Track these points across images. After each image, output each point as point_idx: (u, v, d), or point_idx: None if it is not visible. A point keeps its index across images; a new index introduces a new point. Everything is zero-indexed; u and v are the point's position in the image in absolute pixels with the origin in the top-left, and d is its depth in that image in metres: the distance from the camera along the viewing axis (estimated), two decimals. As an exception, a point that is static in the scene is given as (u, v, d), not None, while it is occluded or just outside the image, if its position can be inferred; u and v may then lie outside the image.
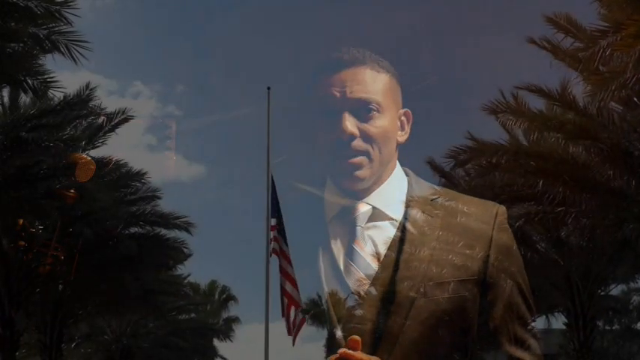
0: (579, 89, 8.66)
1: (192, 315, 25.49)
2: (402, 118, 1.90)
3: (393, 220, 1.77)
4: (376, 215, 1.77)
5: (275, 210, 11.55)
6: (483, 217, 1.78)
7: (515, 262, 1.79)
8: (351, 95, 1.85)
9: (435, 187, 1.89)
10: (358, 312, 1.65)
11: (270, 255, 10.82)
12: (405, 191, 1.84)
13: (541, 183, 9.34)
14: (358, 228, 1.76)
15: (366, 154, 1.83)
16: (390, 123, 1.86)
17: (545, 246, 12.12)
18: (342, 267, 1.74)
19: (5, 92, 11.21)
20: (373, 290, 1.67)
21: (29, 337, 14.73)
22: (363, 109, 1.84)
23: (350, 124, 1.79)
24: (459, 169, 11.58)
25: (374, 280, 1.67)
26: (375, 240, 1.74)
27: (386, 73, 1.90)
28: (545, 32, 8.93)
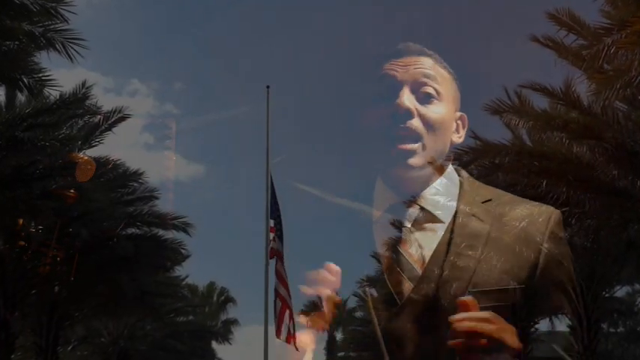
0: (583, 88, 8.67)
1: (191, 317, 25.49)
2: (459, 121, 1.84)
3: (441, 222, 1.71)
4: (424, 217, 1.71)
5: (274, 211, 11.55)
6: (535, 224, 1.71)
7: (565, 272, 1.72)
8: (413, 75, 1.77)
9: (490, 188, 1.81)
10: (401, 313, 1.61)
11: (271, 257, 10.79)
12: (457, 193, 1.77)
13: (545, 183, 9.34)
14: (404, 229, 1.71)
15: (421, 139, 1.75)
16: (449, 116, 1.78)
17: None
18: (385, 268, 1.68)
19: (0, 91, 11.21)
20: (417, 292, 1.62)
21: (25, 340, 14.73)
22: (422, 90, 1.76)
23: (408, 100, 1.72)
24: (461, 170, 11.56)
25: (419, 283, 1.62)
26: (421, 242, 1.69)
27: (449, 72, 1.84)
28: (548, 30, 8.93)
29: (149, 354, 21.60)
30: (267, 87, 12.47)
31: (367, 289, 1.67)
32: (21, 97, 11.48)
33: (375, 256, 1.72)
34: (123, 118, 12.14)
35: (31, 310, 13.25)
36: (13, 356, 12.48)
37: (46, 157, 10.62)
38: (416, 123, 1.69)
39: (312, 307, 1.71)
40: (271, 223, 10.26)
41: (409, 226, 1.70)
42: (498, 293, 1.64)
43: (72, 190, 10.41)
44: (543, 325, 16.67)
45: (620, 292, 19.60)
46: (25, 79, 9.64)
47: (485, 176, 10.78)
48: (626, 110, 9.06)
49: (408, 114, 1.68)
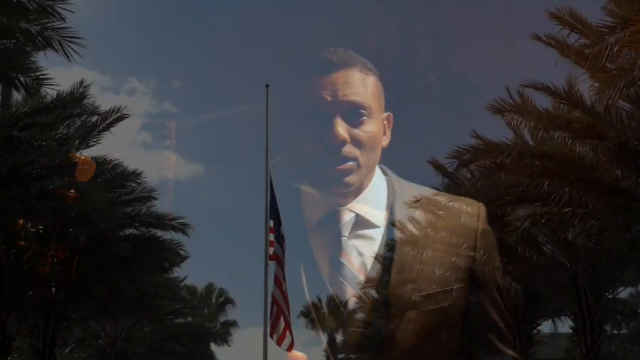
0: (586, 87, 8.67)
1: (189, 319, 25.48)
2: (385, 122, 1.91)
3: (376, 227, 1.76)
4: (360, 223, 1.77)
5: (273, 211, 11.52)
6: (467, 217, 1.78)
7: (497, 267, 1.81)
8: (343, 99, 1.85)
9: (416, 186, 1.88)
10: (349, 321, 1.65)
11: (270, 258, 10.79)
12: (386, 193, 1.84)
13: (547, 183, 9.34)
14: (343, 238, 1.76)
15: (356, 160, 1.83)
16: (378, 127, 1.88)
17: (551, 248, 12.11)
18: (326, 279, 1.74)
19: (-3, 90, 11.21)
20: (365, 299, 1.67)
21: (21, 342, 14.72)
22: (354, 114, 1.85)
23: (342, 129, 1.80)
24: (463, 170, 11.58)
25: (362, 290, 1.67)
26: (361, 250, 1.75)
27: (373, 75, 1.91)
28: (549, 29, 8.93)
29: (147, 356, 21.60)
30: (267, 86, 12.46)
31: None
32: (17, 96, 11.49)
33: (377, 258, 1.75)
34: (121, 118, 12.15)
35: (28, 312, 13.25)
36: (9, 358, 12.48)
37: (42, 157, 10.63)
38: (350, 149, 1.78)
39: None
40: (271, 223, 10.25)
41: (347, 234, 1.75)
42: (444, 294, 1.68)
43: (72, 190, 10.42)
44: (546, 327, 16.67)
45: (624, 293, 19.61)
46: (21, 78, 9.65)
47: (487, 176, 10.79)
48: (629, 109, 9.06)
49: (343, 142, 1.77)
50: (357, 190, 1.82)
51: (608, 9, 8.36)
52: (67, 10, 9.26)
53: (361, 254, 1.78)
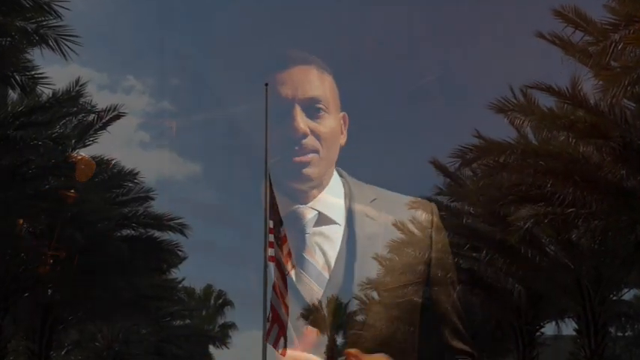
0: (590, 86, 8.66)
1: (187, 321, 25.48)
2: (341, 121, 1.96)
3: (337, 224, 1.81)
4: (322, 220, 1.82)
5: (272, 212, 11.53)
6: (422, 217, 1.83)
7: (451, 259, 1.86)
8: (302, 94, 1.89)
9: (371, 186, 1.93)
10: (320, 320, 1.68)
11: (270, 260, 10.78)
12: (343, 193, 1.89)
13: (550, 183, 9.34)
14: (307, 236, 1.80)
15: (317, 152, 1.87)
16: (336, 124, 1.93)
17: (554, 249, 12.11)
18: (293, 276, 1.78)
19: (-8, 88, 11.21)
20: (330, 297, 1.71)
21: (17, 344, 14.73)
22: (313, 109, 1.89)
23: (302, 122, 1.83)
24: (465, 169, 11.58)
25: (327, 287, 1.71)
26: (324, 247, 1.79)
27: (328, 75, 1.95)
28: (553, 27, 8.93)
29: (144, 358, 21.60)
30: (266, 85, 12.46)
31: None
32: (13, 95, 11.49)
33: (377, 258, 1.78)
34: (118, 117, 12.15)
35: (24, 314, 13.25)
36: (5, 361, 12.49)
37: (38, 157, 10.63)
38: (311, 141, 1.82)
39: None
40: (270, 224, 10.26)
41: (310, 232, 1.80)
42: (404, 289, 1.73)
43: (72, 191, 10.42)
44: (549, 329, 16.66)
45: (628, 295, 19.57)
46: (17, 77, 9.64)
47: (489, 176, 10.79)
48: (634, 108, 9.05)
49: (303, 135, 1.81)
50: (318, 189, 1.87)
51: (610, 7, 8.36)
52: (63, 7, 9.26)
53: (324, 251, 1.83)
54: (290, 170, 1.84)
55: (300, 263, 1.82)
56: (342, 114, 2.00)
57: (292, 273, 2.04)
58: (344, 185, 1.96)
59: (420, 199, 1.93)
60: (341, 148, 1.99)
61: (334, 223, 1.88)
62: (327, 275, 1.80)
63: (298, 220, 1.85)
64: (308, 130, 1.87)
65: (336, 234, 1.85)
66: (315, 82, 1.94)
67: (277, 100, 1.91)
